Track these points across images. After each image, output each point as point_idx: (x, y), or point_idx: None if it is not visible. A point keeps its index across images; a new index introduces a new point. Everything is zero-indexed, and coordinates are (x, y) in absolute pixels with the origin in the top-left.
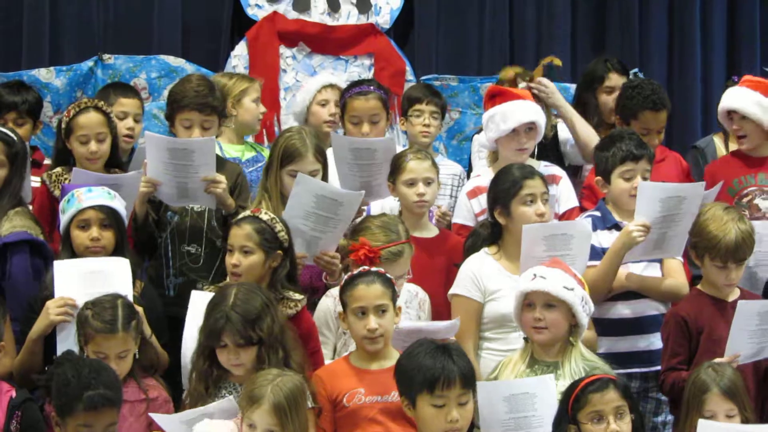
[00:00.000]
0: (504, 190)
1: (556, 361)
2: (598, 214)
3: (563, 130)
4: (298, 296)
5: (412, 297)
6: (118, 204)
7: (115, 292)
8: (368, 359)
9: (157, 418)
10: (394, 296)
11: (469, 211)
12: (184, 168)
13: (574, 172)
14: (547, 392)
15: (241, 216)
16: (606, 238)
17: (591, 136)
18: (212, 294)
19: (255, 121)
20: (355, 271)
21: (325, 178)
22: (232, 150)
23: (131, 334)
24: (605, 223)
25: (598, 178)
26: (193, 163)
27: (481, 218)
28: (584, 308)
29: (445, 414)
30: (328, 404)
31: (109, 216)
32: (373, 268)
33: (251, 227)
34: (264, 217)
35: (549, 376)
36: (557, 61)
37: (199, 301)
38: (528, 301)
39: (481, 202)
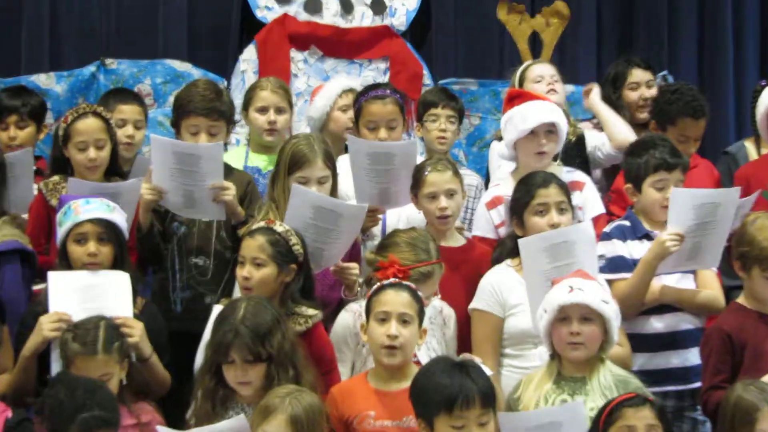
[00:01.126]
0: (517, 201)
1: (584, 376)
2: (627, 223)
3: (592, 137)
4: (311, 311)
5: (437, 313)
6: (118, 216)
7: (101, 314)
8: (386, 378)
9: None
10: (421, 313)
11: (489, 222)
12: (191, 175)
13: (607, 176)
14: (575, 419)
15: (255, 227)
16: (637, 249)
17: (626, 131)
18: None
19: (260, 131)
20: (386, 281)
21: (334, 185)
22: (256, 159)
23: (114, 357)
24: (636, 233)
25: (628, 185)
26: (199, 170)
27: (501, 230)
28: (616, 322)
29: None
30: (340, 426)
31: (107, 230)
32: (405, 282)
33: (264, 239)
34: (279, 228)
35: (579, 402)
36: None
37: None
38: (563, 315)
39: (501, 212)
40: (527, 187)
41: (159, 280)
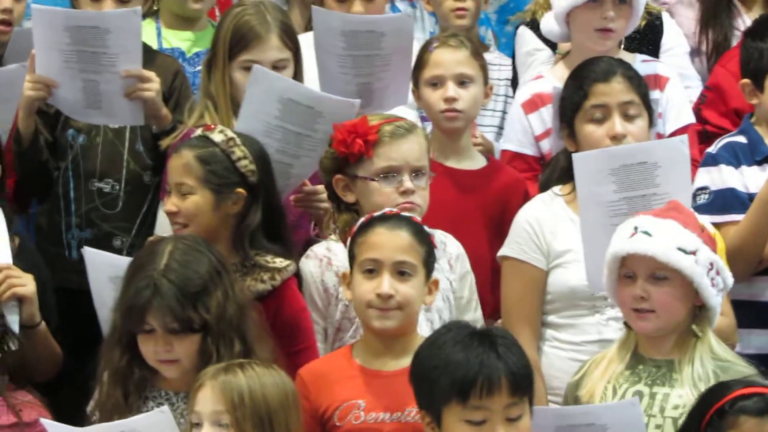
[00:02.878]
0: (567, 100)
1: (671, 359)
2: (742, 140)
3: (672, 27)
4: (279, 262)
5: (440, 252)
6: None
7: None
8: (379, 353)
9: (51, 427)
10: (430, 259)
11: (526, 131)
12: (94, 59)
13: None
14: (626, 424)
15: (187, 139)
16: (756, 178)
17: None
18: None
19: None
20: (376, 213)
21: (299, 72)
22: (174, 38)
23: None
24: (755, 154)
25: (746, 81)
26: (107, 51)
27: (544, 143)
28: (715, 281)
29: None
30: (311, 421)
31: None
32: (406, 213)
33: (192, 154)
34: (217, 137)
35: (632, 401)
36: None
37: (96, 263)
38: (627, 271)
39: (545, 117)
40: (579, 81)
41: (47, 213)
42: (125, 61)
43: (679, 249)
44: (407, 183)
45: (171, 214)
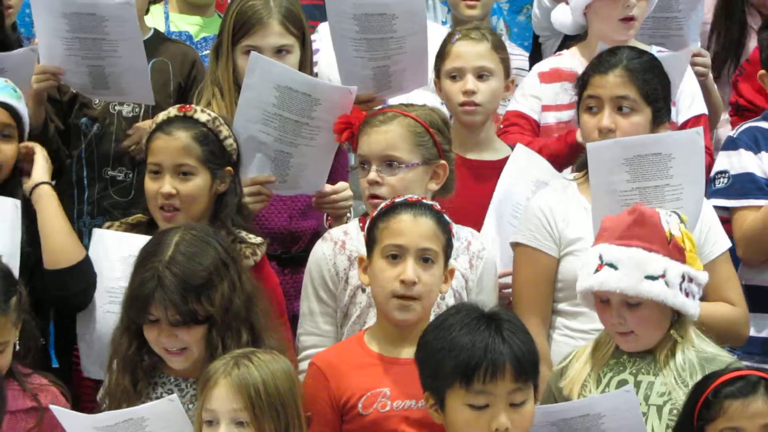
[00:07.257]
0: (577, 89)
1: (654, 350)
2: (765, 125)
3: None
4: (254, 238)
5: (461, 248)
6: (24, 108)
7: None
8: (396, 340)
9: (61, 414)
10: (449, 248)
11: (537, 99)
12: (95, 45)
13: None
14: (621, 409)
15: (161, 117)
16: None
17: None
18: (124, 234)
19: None
20: (399, 198)
21: (306, 60)
22: (181, 23)
23: (11, 317)
24: None
25: (762, 72)
26: (107, 38)
27: (548, 114)
28: (689, 290)
29: (487, 420)
30: (329, 411)
31: (14, 120)
32: (427, 201)
33: (189, 135)
34: (202, 117)
35: (625, 390)
36: None
37: (105, 244)
38: (601, 296)
39: (558, 92)
40: (587, 70)
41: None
42: (127, 47)
43: (647, 277)
44: (371, 174)
45: (167, 197)
